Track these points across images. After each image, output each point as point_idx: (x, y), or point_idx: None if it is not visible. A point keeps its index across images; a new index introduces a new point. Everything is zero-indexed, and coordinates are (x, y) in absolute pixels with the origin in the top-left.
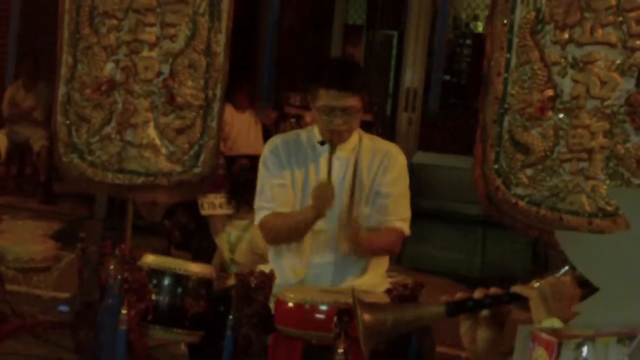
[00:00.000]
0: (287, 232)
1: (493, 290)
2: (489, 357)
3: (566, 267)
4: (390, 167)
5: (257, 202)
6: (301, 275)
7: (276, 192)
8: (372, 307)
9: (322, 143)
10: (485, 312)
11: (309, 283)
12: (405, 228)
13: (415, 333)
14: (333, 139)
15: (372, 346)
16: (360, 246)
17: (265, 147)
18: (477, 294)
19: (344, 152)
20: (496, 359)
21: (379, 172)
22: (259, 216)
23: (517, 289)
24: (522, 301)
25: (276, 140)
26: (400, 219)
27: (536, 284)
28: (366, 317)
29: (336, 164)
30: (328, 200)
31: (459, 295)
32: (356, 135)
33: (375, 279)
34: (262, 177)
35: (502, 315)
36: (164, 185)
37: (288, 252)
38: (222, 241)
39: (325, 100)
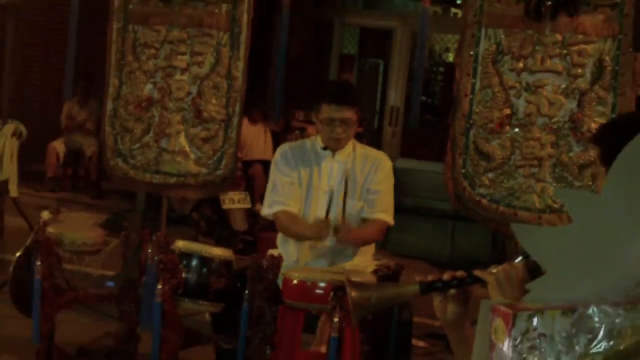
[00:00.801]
0: (293, 235)
1: (459, 273)
2: (457, 326)
3: (520, 257)
4: (379, 170)
5: (271, 197)
6: (305, 258)
7: (287, 189)
8: (359, 286)
9: (324, 148)
10: (452, 291)
11: (310, 265)
12: (389, 219)
13: (397, 306)
14: (333, 145)
15: (360, 317)
16: (351, 242)
17: (276, 152)
18: (446, 276)
19: (341, 157)
20: (463, 327)
21: (370, 173)
22: (272, 209)
23: (477, 273)
24: (482, 283)
25: (285, 147)
26: (384, 211)
27: (494, 270)
28: (354, 294)
29: (335, 167)
30: (325, 232)
31: (430, 277)
32: (351, 144)
33: (364, 262)
34: (274, 176)
35: (467, 293)
36: (192, 184)
37: (287, 240)
38: None
39: (327, 113)
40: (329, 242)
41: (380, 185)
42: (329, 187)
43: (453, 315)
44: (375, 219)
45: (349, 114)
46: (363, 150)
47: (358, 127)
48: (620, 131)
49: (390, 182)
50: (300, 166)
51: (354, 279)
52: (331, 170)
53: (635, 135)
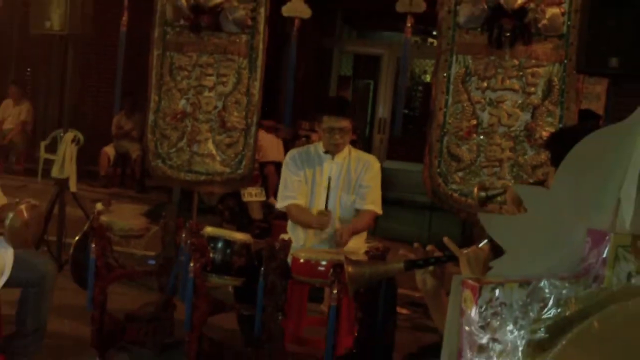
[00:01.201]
0: (301, 224)
1: (437, 253)
2: (435, 295)
3: (485, 241)
4: (369, 170)
5: (283, 193)
6: (311, 242)
7: (296, 186)
8: (355, 263)
9: (326, 152)
10: (431, 267)
11: (314, 247)
12: (377, 209)
13: (384, 280)
14: (333, 150)
15: (356, 289)
16: (347, 239)
17: (286, 156)
18: (426, 249)
19: (339, 159)
20: (440, 296)
21: (362, 173)
22: (284, 202)
23: (450, 246)
24: (455, 260)
25: (294, 152)
26: (373, 202)
27: (465, 251)
28: (351, 269)
29: (334, 167)
30: (326, 222)
31: (412, 256)
32: (347, 149)
33: (357, 244)
34: (285, 175)
35: (442, 269)
36: (218, 181)
37: (295, 227)
38: None
39: (327, 123)
40: (329, 229)
41: (369, 182)
42: (329, 183)
43: (431, 286)
44: (365, 210)
45: (345, 123)
46: (357, 153)
47: (353, 135)
48: (567, 139)
49: (378, 179)
50: (305, 167)
51: (351, 257)
52: (331, 170)
53: (577, 142)
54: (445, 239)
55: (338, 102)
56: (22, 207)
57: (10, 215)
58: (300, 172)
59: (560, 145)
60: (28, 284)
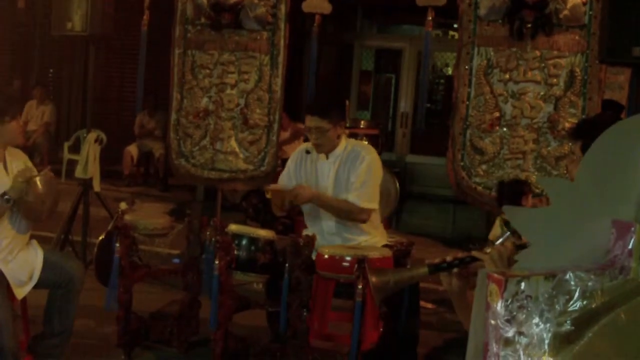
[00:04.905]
0: (279, 201)
1: (460, 254)
2: (460, 295)
3: (507, 234)
4: (358, 163)
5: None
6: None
7: (285, 180)
8: (378, 272)
9: (307, 152)
10: (455, 269)
11: (323, 242)
12: (364, 203)
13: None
14: (316, 150)
15: (381, 299)
16: (304, 196)
17: (298, 148)
18: (449, 257)
19: (332, 157)
20: (465, 295)
21: (352, 166)
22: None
23: (475, 253)
24: (479, 261)
25: (304, 145)
26: (357, 194)
27: (488, 250)
28: (374, 279)
29: (328, 167)
30: (299, 191)
31: (437, 260)
32: (343, 144)
33: (375, 238)
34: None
35: (467, 269)
36: (242, 178)
37: (310, 220)
38: None
39: (307, 122)
40: (331, 221)
41: (359, 175)
42: (325, 184)
43: (456, 287)
44: (346, 200)
45: (322, 123)
46: (351, 146)
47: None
48: (599, 127)
49: (368, 171)
50: (305, 164)
51: (374, 253)
52: (326, 170)
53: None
54: (474, 253)
55: (319, 101)
56: (37, 179)
57: (24, 185)
58: (299, 168)
59: (594, 134)
60: (56, 286)
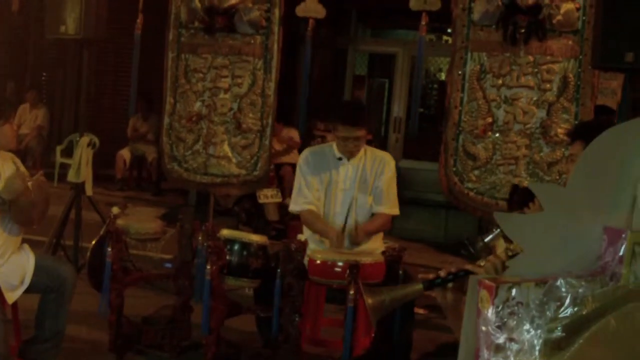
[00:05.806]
0: (315, 231)
1: (453, 269)
2: (455, 308)
3: (497, 231)
4: (385, 170)
5: (297, 197)
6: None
7: (310, 191)
8: (373, 292)
9: (339, 159)
10: (450, 284)
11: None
12: (393, 211)
13: (401, 281)
14: (347, 156)
15: (378, 318)
16: (362, 238)
17: (300, 156)
18: (443, 273)
19: (355, 161)
20: (460, 308)
21: (378, 173)
22: (298, 207)
23: (469, 267)
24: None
25: (307, 152)
26: (389, 205)
27: (482, 264)
28: (370, 300)
29: (350, 169)
30: (341, 243)
31: (431, 276)
32: (362, 149)
33: (375, 244)
34: (299, 179)
35: (462, 284)
36: (234, 183)
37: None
38: None
39: (342, 132)
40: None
41: (386, 183)
42: (346, 186)
43: (451, 300)
44: (381, 213)
45: (360, 132)
46: (372, 152)
47: (368, 134)
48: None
49: (393, 178)
50: (320, 169)
51: (366, 259)
52: (347, 172)
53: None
54: (468, 267)
55: (354, 111)
56: (29, 184)
57: (16, 187)
58: (315, 177)
59: (595, 134)
60: (48, 290)
